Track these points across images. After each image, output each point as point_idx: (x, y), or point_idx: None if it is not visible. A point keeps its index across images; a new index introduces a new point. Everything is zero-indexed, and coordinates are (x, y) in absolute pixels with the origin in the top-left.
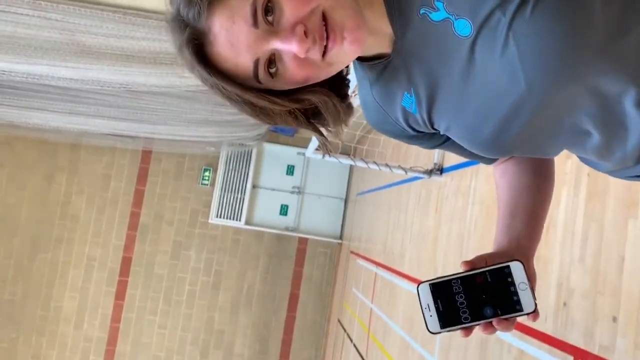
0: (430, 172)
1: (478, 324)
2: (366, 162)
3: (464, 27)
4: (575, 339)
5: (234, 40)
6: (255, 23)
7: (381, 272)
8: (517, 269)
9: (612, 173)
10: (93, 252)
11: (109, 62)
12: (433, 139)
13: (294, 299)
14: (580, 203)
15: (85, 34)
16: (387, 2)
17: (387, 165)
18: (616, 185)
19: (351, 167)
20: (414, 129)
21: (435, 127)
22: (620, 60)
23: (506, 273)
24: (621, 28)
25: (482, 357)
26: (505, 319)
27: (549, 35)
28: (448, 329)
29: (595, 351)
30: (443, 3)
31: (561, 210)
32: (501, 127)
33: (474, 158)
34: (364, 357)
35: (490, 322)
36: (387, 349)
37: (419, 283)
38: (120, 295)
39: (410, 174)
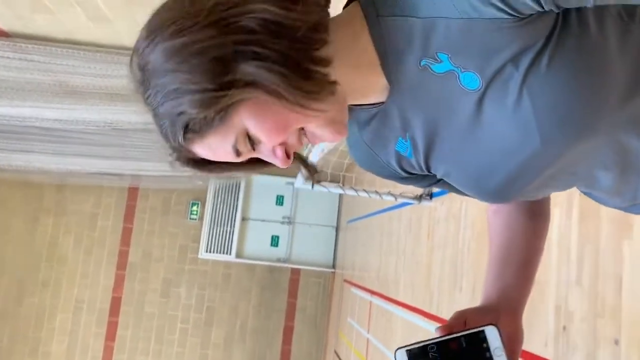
0: (420, 198)
1: None
2: (356, 190)
3: (472, 81)
4: None
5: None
6: (237, 155)
7: (376, 301)
8: (491, 334)
9: (622, 209)
10: (81, 293)
11: (93, 101)
12: (426, 179)
13: (288, 332)
14: (574, 225)
15: (69, 74)
16: (381, 55)
17: (376, 192)
18: None
19: (340, 195)
20: (406, 172)
21: (432, 171)
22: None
23: (481, 338)
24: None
25: None
26: None
27: (567, 91)
28: None
29: None
30: (447, 56)
31: (554, 233)
32: (509, 181)
33: (469, 196)
34: None
35: None
36: None
37: (397, 348)
38: (110, 336)
39: (400, 200)
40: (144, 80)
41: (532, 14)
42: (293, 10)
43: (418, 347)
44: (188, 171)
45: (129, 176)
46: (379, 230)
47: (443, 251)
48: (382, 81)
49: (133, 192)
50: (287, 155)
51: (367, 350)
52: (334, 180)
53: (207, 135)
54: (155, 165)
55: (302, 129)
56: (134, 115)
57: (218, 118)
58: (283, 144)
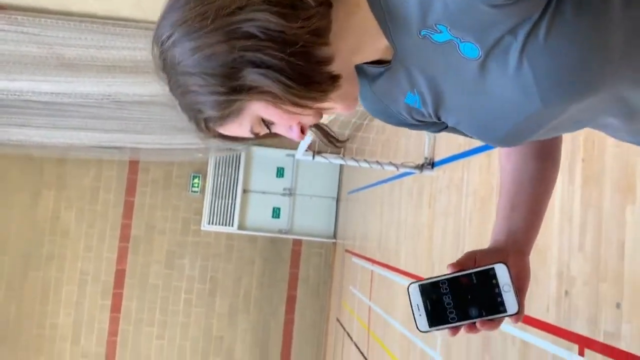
0: (421, 167)
1: (464, 324)
2: (357, 161)
3: (471, 50)
4: (579, 328)
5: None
6: (255, 135)
7: (378, 270)
8: (501, 271)
9: (629, 142)
10: (85, 266)
11: (90, 73)
12: (435, 125)
13: (291, 301)
14: (576, 190)
15: (64, 46)
16: (380, 22)
17: (378, 162)
18: (612, 170)
19: (341, 165)
20: (417, 120)
21: (443, 120)
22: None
23: (491, 275)
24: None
25: (485, 350)
26: (490, 319)
27: (566, 58)
28: (436, 327)
29: (601, 339)
30: (446, 27)
31: (557, 198)
32: (515, 131)
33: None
34: (366, 356)
35: (474, 323)
36: (388, 346)
37: (410, 283)
38: (116, 308)
39: (402, 170)
40: (166, 69)
41: None
42: (294, 20)
43: (430, 283)
44: (190, 143)
45: (128, 149)
46: (380, 200)
47: (445, 220)
48: (386, 43)
49: (134, 165)
50: (302, 131)
51: (369, 318)
52: (335, 151)
53: (226, 124)
54: (155, 137)
55: None
56: (132, 87)
57: (233, 114)
58: (298, 123)
